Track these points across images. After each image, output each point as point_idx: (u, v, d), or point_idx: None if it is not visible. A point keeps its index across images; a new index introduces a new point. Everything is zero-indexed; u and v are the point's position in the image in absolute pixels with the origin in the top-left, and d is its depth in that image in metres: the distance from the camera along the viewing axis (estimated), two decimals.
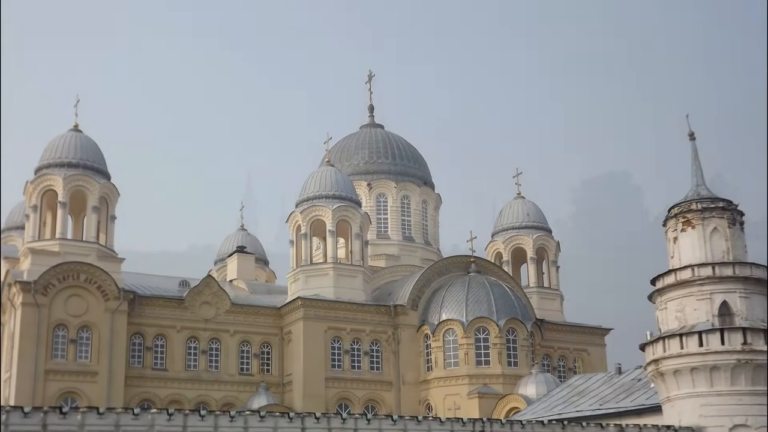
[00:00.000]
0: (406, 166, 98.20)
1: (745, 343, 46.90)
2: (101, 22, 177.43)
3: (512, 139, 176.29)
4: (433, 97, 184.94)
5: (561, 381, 78.14)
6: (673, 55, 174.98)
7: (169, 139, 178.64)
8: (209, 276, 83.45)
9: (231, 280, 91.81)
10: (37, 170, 78.75)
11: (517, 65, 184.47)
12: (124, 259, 77.99)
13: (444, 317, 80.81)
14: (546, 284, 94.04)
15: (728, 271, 48.99)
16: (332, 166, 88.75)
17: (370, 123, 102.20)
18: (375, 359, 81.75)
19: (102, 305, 74.43)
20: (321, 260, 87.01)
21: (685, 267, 49.87)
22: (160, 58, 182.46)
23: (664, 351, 48.73)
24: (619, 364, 69.12)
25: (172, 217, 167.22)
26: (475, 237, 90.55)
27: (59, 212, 77.14)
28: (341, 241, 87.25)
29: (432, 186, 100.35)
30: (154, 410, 41.42)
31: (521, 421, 50.09)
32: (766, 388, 46.76)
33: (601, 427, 50.26)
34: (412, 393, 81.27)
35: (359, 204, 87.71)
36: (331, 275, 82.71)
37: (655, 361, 49.43)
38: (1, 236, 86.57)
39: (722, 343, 47.15)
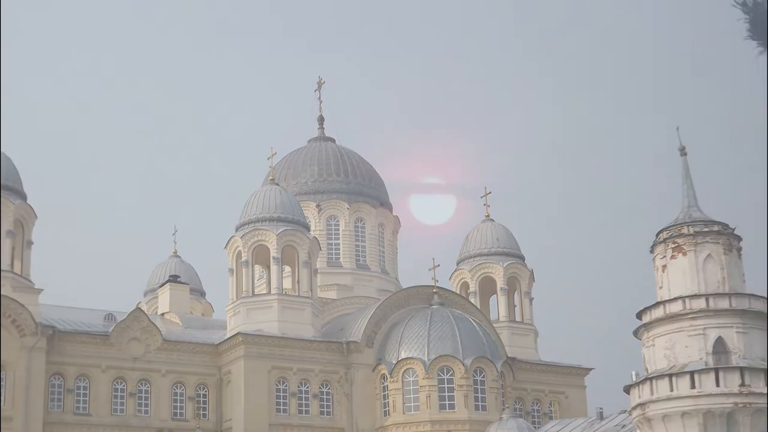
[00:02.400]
0: (360, 185, 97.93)
1: (742, 384, 46.96)
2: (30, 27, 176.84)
3: (481, 155, 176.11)
4: (391, 107, 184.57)
5: (535, 427, 78.23)
6: (663, 65, 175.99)
7: (93, 156, 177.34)
8: (138, 309, 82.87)
9: (163, 314, 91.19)
10: None
11: (490, 72, 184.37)
12: (42, 289, 77.18)
13: (403, 355, 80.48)
14: (518, 318, 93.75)
15: (724, 304, 49.07)
16: (277, 184, 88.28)
17: (319, 136, 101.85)
18: (325, 403, 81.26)
19: (17, 342, 73.50)
20: (264, 291, 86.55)
21: (676, 299, 49.94)
22: (83, 66, 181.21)
23: (652, 393, 48.75)
24: (601, 408, 69.38)
25: (97, 243, 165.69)
26: (438, 265, 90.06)
27: None
28: (287, 269, 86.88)
29: (390, 207, 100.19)
30: None
31: None
32: None
33: None
34: None
35: (307, 227, 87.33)
36: (276, 308, 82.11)
37: (642, 404, 49.43)
38: None
39: (717, 384, 47.21)
